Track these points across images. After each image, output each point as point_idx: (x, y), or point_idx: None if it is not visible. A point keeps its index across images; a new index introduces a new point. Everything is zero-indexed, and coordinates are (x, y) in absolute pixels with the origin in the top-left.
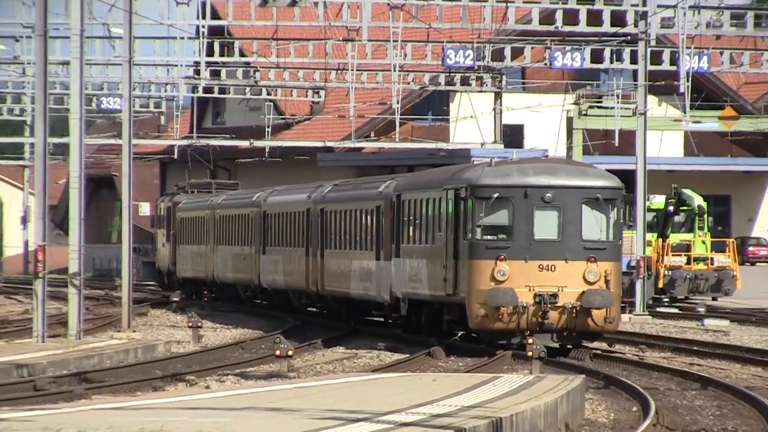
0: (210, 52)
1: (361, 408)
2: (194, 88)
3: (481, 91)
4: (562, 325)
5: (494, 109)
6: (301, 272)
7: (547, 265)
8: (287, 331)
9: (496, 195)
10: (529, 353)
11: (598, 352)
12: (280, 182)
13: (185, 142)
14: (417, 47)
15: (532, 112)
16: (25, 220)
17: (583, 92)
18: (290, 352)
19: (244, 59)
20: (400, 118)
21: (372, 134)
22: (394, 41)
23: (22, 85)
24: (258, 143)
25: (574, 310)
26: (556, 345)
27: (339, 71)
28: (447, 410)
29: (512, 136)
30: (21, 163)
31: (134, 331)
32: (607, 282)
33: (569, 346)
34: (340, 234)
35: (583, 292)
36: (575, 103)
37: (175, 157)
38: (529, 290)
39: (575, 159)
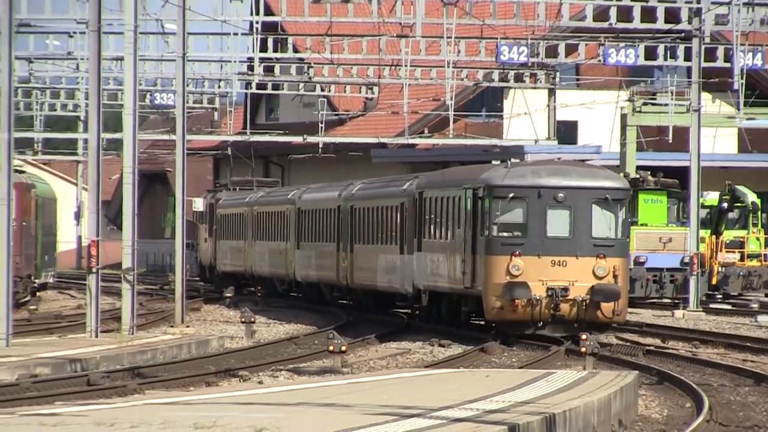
0: (263, 48)
1: (414, 403)
2: (247, 84)
3: (534, 88)
4: (573, 316)
5: (548, 106)
6: (332, 266)
7: (559, 261)
8: (340, 327)
9: (511, 195)
10: (583, 349)
11: (651, 348)
12: (333, 178)
13: (239, 138)
14: (471, 44)
15: (586, 108)
16: (78, 216)
17: (637, 89)
18: (344, 348)
19: (297, 55)
20: (454, 115)
21: (425, 130)
22: (447, 38)
23: (76, 81)
24: (311, 139)
25: (584, 303)
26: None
27: (393, 67)
28: (500, 406)
29: (566, 132)
30: (74, 158)
31: (187, 327)
32: (615, 277)
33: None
34: (368, 230)
35: (593, 286)
36: (629, 100)
37: (229, 152)
38: (542, 284)
39: (629, 155)
